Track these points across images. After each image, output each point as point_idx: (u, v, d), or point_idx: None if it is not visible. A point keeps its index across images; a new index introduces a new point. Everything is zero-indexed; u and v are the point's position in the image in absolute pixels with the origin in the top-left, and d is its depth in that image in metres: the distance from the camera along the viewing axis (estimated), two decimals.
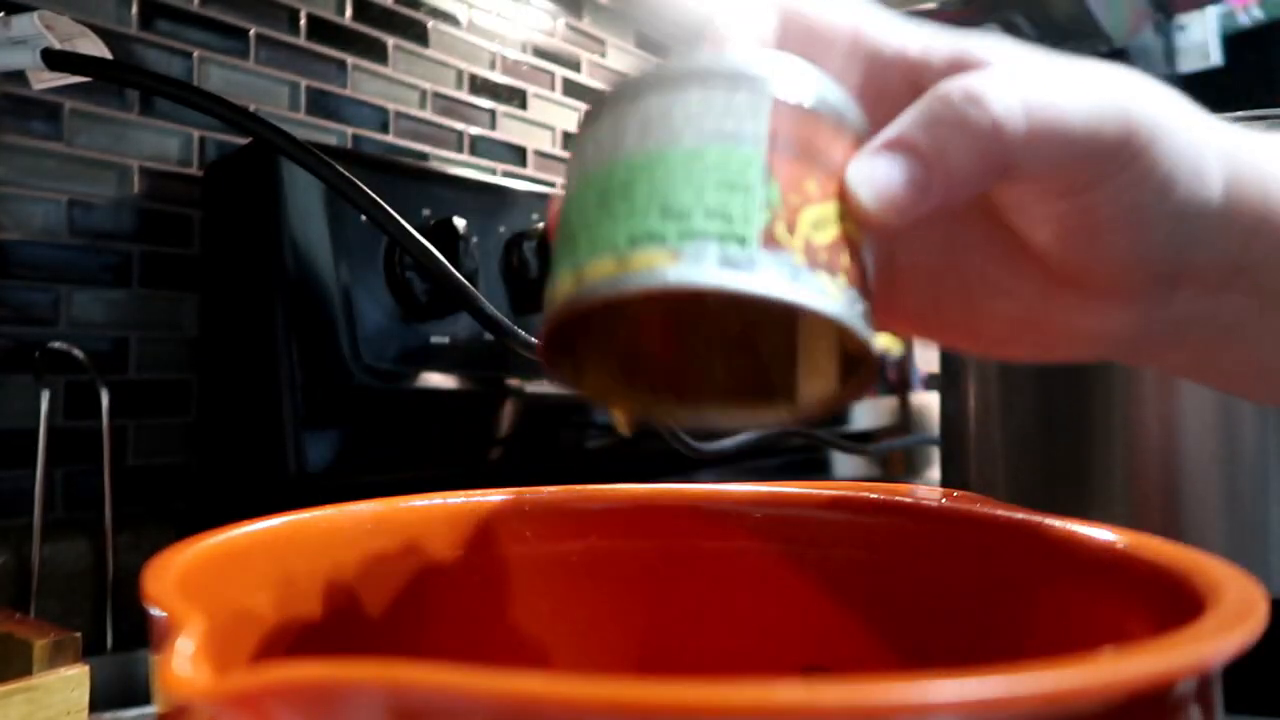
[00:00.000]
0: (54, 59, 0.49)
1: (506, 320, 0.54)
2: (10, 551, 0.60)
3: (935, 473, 0.90)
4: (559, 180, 1.00)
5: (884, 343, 0.22)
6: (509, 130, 0.96)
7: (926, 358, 1.32)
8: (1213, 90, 1.26)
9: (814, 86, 0.22)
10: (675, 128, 0.21)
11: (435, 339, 0.70)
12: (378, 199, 0.51)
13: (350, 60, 0.82)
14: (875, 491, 0.30)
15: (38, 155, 0.64)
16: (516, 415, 0.74)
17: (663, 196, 0.20)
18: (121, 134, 0.68)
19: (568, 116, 1.03)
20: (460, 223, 0.68)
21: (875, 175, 0.21)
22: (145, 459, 0.69)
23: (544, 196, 0.80)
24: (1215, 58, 1.25)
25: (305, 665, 0.13)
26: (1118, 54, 1.02)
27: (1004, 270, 0.26)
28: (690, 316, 0.28)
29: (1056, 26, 0.96)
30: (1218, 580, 0.19)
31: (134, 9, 0.69)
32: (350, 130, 0.82)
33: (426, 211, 0.71)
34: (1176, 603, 0.19)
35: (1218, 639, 0.15)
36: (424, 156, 0.88)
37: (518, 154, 0.97)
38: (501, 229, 0.75)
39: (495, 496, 0.31)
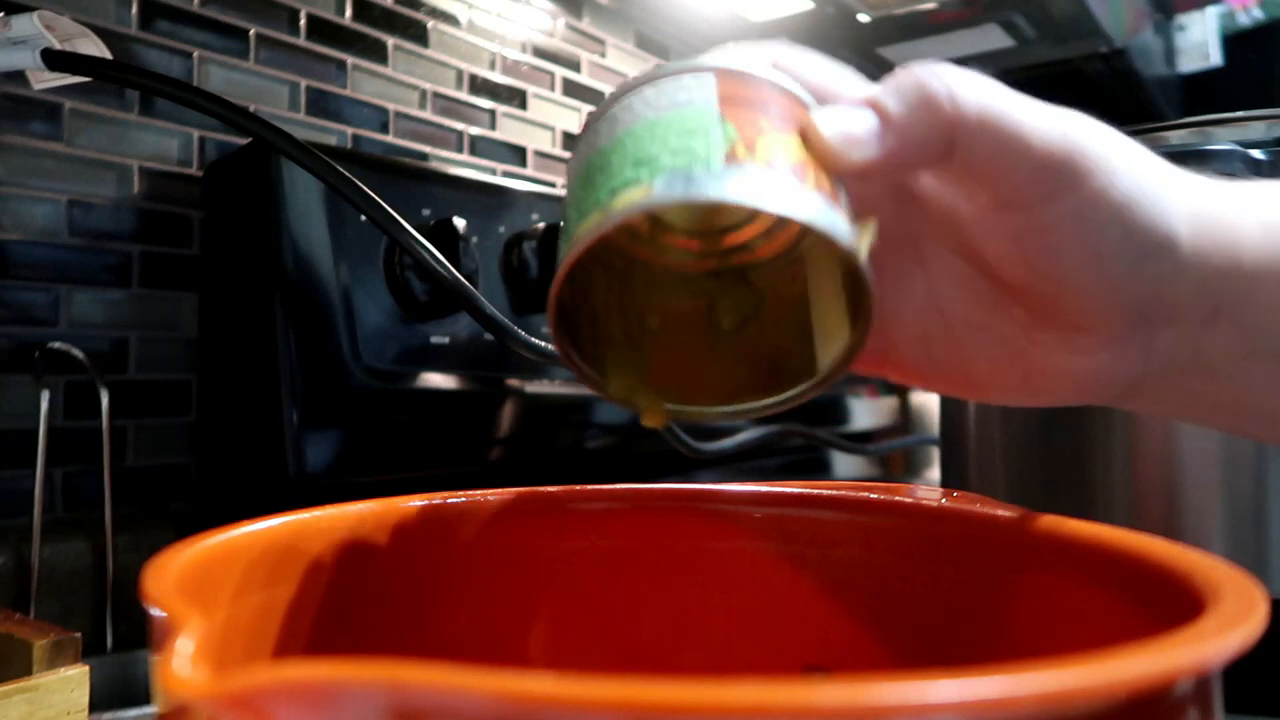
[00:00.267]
0: (54, 59, 0.49)
1: (506, 320, 0.54)
2: (10, 552, 0.60)
3: (935, 473, 0.90)
4: (559, 180, 1.00)
5: (869, 239, 0.24)
6: (509, 130, 0.96)
7: None
8: (1213, 90, 1.26)
9: (756, 62, 0.25)
10: (636, 112, 0.24)
11: (435, 339, 0.70)
12: (377, 199, 0.51)
13: (350, 60, 0.82)
14: (875, 491, 0.31)
15: (37, 155, 0.64)
16: (516, 415, 0.74)
17: (633, 155, 0.23)
18: (121, 134, 0.68)
19: (568, 116, 1.03)
20: (460, 223, 0.68)
21: (836, 114, 0.24)
22: (145, 459, 0.69)
23: (544, 197, 0.80)
24: (1215, 58, 1.26)
25: (305, 665, 0.13)
26: (1118, 54, 1.02)
27: (985, 312, 0.28)
28: (695, 316, 0.29)
29: (1056, 26, 0.96)
30: (1218, 580, 0.19)
31: (134, 9, 0.69)
32: (350, 130, 0.82)
33: (426, 211, 0.71)
34: (1176, 603, 0.19)
35: (1218, 639, 0.15)
36: (424, 156, 0.88)
37: (518, 154, 0.97)
38: (501, 229, 0.75)
39: (495, 496, 0.31)
